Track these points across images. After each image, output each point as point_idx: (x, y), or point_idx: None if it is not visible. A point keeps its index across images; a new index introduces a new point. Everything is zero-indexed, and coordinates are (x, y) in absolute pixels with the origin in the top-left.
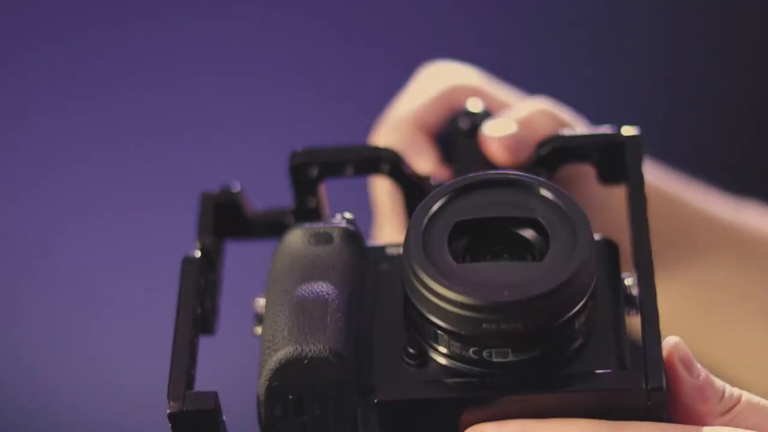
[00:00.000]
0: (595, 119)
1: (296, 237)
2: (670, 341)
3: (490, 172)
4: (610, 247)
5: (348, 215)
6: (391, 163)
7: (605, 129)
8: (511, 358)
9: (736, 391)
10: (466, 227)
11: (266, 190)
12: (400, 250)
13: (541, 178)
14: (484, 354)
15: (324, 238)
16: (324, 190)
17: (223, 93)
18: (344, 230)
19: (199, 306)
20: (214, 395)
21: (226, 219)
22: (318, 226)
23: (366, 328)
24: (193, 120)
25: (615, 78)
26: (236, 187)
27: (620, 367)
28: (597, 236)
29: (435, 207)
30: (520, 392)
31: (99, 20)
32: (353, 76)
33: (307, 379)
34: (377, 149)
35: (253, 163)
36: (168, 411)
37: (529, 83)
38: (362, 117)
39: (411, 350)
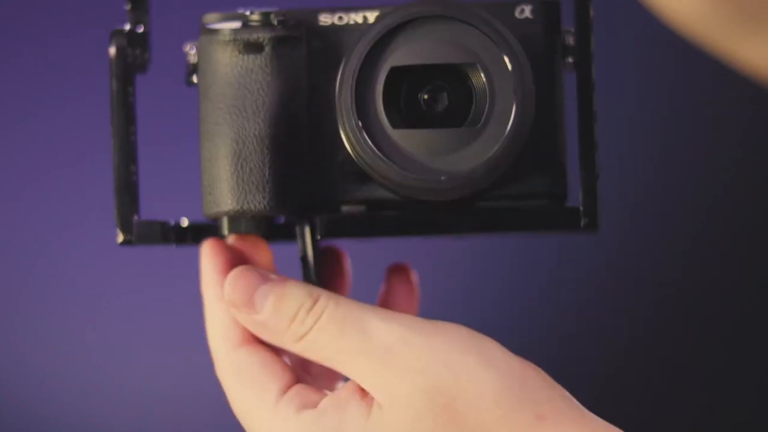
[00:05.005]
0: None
1: (222, 51)
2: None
3: (423, 4)
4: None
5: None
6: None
7: None
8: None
9: (310, 317)
10: (402, 73)
11: None
12: (334, 20)
13: (481, 11)
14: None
15: (253, 48)
16: None
17: None
18: (275, 38)
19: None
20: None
21: None
22: (246, 33)
23: (303, 145)
24: (192, 120)
25: (614, 77)
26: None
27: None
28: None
29: (366, 51)
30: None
31: (99, 20)
32: None
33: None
34: None
35: None
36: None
37: None
38: None
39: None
